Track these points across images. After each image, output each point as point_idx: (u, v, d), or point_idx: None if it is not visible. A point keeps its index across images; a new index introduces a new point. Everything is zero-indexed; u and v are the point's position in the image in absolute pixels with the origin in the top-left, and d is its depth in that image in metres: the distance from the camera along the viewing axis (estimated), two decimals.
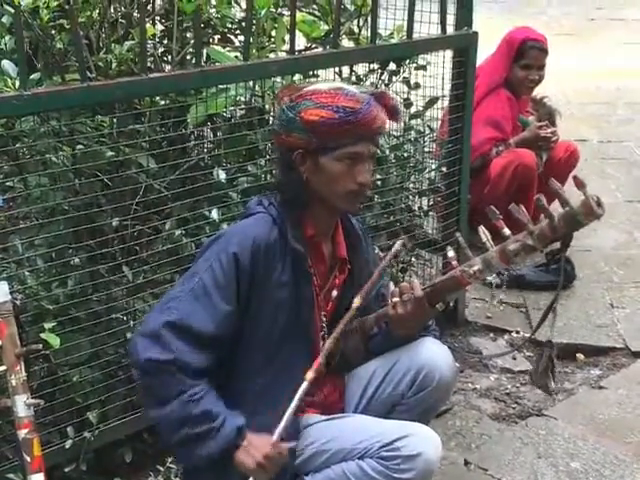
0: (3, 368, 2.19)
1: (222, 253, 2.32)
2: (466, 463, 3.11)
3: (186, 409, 2.25)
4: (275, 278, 2.37)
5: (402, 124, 3.64)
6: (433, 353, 2.53)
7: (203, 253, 2.39)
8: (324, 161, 2.35)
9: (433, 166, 3.96)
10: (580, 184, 2.19)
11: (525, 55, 4.66)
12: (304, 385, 2.31)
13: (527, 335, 3.90)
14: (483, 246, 2.34)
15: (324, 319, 2.51)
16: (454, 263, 2.39)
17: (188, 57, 3.19)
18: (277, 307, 2.38)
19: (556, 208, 2.23)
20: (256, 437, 2.29)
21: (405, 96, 3.70)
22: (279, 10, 3.43)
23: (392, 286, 2.52)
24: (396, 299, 2.43)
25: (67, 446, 2.70)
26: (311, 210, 2.43)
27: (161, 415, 2.29)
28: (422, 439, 2.36)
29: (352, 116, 2.31)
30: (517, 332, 4.00)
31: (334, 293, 2.53)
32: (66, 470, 2.74)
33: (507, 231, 2.30)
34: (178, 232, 2.88)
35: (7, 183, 2.68)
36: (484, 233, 2.36)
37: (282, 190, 2.46)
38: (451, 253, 2.43)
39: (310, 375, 2.33)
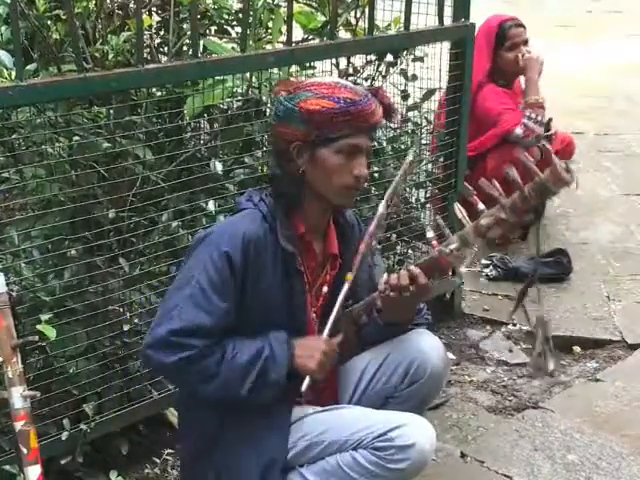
0: None
1: (214, 252, 2.31)
2: (462, 455, 3.11)
3: (235, 364, 2.30)
4: (267, 276, 2.36)
5: (399, 116, 3.63)
6: (424, 345, 2.53)
7: (194, 250, 2.38)
8: (322, 153, 2.34)
9: (430, 158, 3.95)
10: (548, 152, 2.17)
11: (508, 36, 4.63)
12: (345, 287, 2.39)
13: (525, 328, 3.90)
14: (460, 223, 2.33)
15: (314, 316, 2.50)
16: (434, 244, 2.38)
17: (185, 48, 3.18)
18: (270, 305, 2.37)
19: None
20: (306, 340, 2.38)
21: (402, 88, 3.69)
22: (276, 1, 3.41)
23: (385, 275, 2.48)
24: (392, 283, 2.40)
25: (63, 438, 2.69)
26: (303, 207, 2.42)
27: (217, 386, 2.31)
28: (416, 429, 2.36)
29: (352, 107, 2.31)
30: (514, 324, 4.00)
31: (325, 289, 2.52)
32: (62, 462, 2.74)
33: (482, 206, 2.29)
34: (175, 224, 2.88)
35: (3, 174, 2.66)
36: (460, 210, 2.34)
37: (277, 184, 2.44)
38: (430, 234, 2.40)
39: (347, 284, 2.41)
